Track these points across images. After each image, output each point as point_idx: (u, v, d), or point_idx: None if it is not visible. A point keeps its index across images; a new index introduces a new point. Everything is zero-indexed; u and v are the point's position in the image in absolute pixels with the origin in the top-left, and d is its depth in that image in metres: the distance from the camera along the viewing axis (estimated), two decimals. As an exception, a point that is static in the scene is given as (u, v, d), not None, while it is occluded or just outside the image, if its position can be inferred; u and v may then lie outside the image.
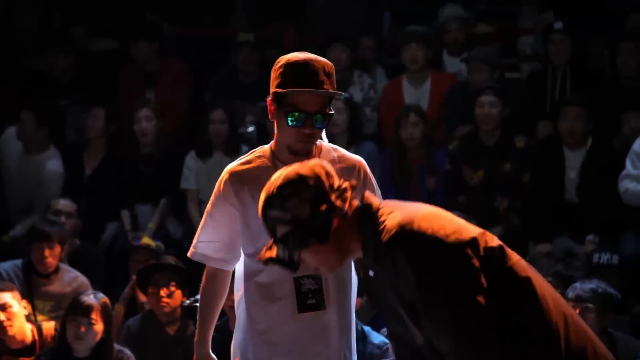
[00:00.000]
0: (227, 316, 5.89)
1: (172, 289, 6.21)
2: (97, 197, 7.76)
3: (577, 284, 5.55)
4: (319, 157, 3.79)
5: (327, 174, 3.10)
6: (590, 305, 5.42)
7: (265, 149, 3.87)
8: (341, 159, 3.85)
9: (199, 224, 7.48)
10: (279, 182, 3.07)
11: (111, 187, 7.78)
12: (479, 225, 7.12)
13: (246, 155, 3.90)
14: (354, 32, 8.68)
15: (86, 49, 9.04)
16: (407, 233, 2.95)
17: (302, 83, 3.70)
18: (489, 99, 7.29)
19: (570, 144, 7.24)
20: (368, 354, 5.43)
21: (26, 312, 6.02)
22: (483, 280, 2.92)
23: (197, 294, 5.72)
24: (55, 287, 6.57)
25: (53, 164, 7.86)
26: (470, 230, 3.03)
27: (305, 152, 3.77)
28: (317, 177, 3.07)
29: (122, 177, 7.82)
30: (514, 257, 3.03)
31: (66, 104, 8.24)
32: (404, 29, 8.46)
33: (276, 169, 3.65)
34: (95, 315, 5.60)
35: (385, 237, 2.98)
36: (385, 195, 3.82)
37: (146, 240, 7.08)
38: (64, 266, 6.76)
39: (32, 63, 8.88)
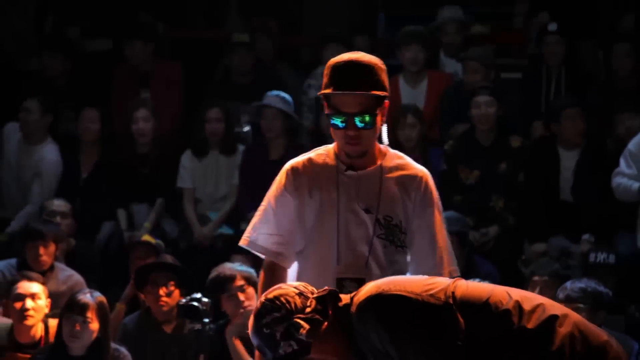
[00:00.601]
0: (227, 318, 5.91)
1: (171, 288, 6.21)
2: (92, 197, 7.76)
3: (568, 284, 5.55)
4: (382, 161, 3.81)
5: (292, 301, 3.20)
6: (581, 305, 5.42)
7: (329, 147, 3.87)
8: (404, 167, 3.85)
9: (194, 223, 7.66)
10: (256, 313, 3.22)
11: (107, 187, 7.78)
12: (475, 224, 7.16)
13: (309, 152, 3.89)
14: (349, 32, 8.69)
15: (81, 50, 9.02)
16: (376, 297, 3.06)
17: (340, 84, 3.70)
18: (485, 98, 7.32)
19: (566, 145, 7.27)
20: None
21: (47, 310, 6.03)
22: (459, 329, 2.98)
23: (193, 293, 5.78)
24: (50, 285, 6.54)
25: (52, 153, 7.87)
26: (442, 283, 3.10)
27: (357, 154, 3.77)
28: (289, 296, 3.20)
29: (118, 177, 7.82)
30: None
31: (60, 107, 8.24)
32: (398, 30, 8.47)
33: (337, 168, 3.71)
34: (90, 314, 5.59)
35: (354, 308, 3.09)
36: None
37: (146, 237, 7.09)
38: (59, 265, 6.76)
39: (27, 64, 8.86)
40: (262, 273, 3.88)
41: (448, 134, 7.79)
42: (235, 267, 6.02)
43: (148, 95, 8.38)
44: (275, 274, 3.82)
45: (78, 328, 5.58)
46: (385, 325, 3.01)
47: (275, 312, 3.15)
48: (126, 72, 8.59)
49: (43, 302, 5.96)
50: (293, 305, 3.16)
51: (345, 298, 3.20)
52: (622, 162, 7.04)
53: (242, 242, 3.90)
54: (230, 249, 7.15)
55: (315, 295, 3.19)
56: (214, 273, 6.01)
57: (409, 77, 8.16)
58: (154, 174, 7.84)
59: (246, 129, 8.02)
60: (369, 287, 3.14)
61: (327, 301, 3.17)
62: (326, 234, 3.75)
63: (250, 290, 5.87)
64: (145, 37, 8.47)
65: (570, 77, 7.92)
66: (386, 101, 3.78)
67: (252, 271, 5.94)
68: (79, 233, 7.49)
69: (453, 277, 3.28)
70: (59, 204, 7.33)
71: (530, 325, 3.00)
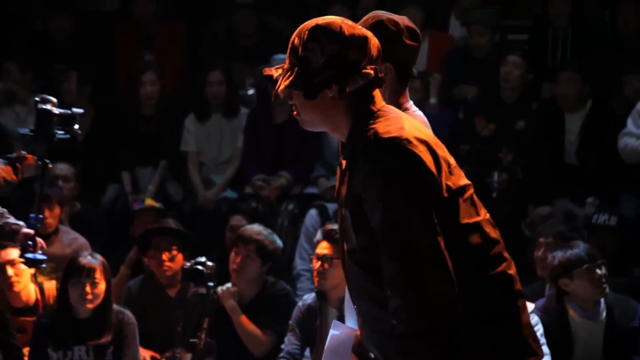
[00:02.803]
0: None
1: (174, 252, 6.23)
2: (95, 160, 7.75)
3: (559, 252, 5.50)
4: None
5: (369, 48, 3.02)
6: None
7: None
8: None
9: (199, 186, 7.64)
10: (320, 22, 3.04)
11: (107, 150, 7.76)
12: (482, 173, 7.12)
13: None
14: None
15: (85, 9, 8.98)
16: (397, 144, 2.91)
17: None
18: (515, 59, 7.33)
19: (567, 108, 7.24)
20: None
21: (32, 271, 6.03)
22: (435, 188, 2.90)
23: (197, 256, 5.79)
24: (55, 248, 6.56)
25: None
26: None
27: None
28: (355, 43, 3.01)
29: (121, 139, 7.80)
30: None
31: (63, 68, 8.22)
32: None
33: None
34: (98, 275, 5.60)
35: (364, 141, 2.96)
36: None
37: (149, 202, 7.09)
38: (64, 228, 6.77)
39: (33, 24, 8.83)
40: None
41: (453, 96, 7.77)
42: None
43: (151, 57, 8.34)
44: None
45: (88, 289, 5.58)
46: (382, 173, 2.90)
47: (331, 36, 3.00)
48: (129, 33, 8.54)
49: (24, 265, 5.96)
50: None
51: (378, 104, 3.04)
52: (629, 122, 6.98)
53: None
54: (235, 212, 7.16)
55: (368, 70, 3.01)
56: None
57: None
58: (158, 136, 7.82)
59: (250, 92, 7.98)
60: (396, 128, 2.96)
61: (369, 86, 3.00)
62: None
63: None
64: None
65: (576, 38, 7.86)
66: None
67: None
68: (84, 196, 7.49)
69: None
70: (61, 168, 7.33)
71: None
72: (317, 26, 3.02)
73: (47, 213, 6.58)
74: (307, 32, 3.03)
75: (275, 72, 3.07)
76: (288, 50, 3.06)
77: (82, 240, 6.69)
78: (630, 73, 7.38)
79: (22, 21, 8.83)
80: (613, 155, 6.98)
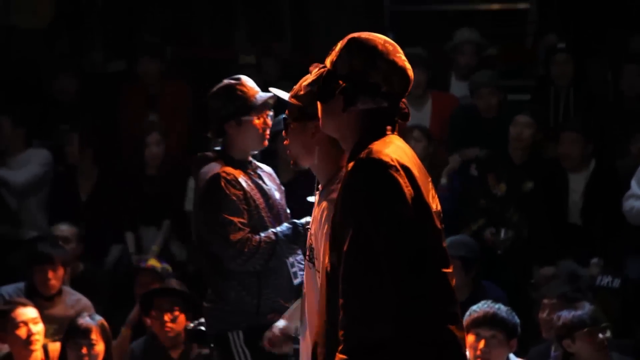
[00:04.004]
0: None
1: (176, 313, 6.19)
2: (98, 220, 7.75)
3: (564, 312, 5.49)
4: None
5: (395, 80, 3.08)
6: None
7: None
8: None
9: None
10: (363, 36, 3.11)
11: (111, 210, 7.76)
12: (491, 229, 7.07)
13: None
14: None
15: (91, 71, 9.04)
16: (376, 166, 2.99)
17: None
18: (525, 119, 7.34)
19: (570, 168, 7.25)
20: None
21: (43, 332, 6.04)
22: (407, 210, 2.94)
23: (200, 317, 5.76)
24: (58, 309, 6.56)
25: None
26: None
27: None
28: (382, 69, 3.07)
29: (124, 199, 7.81)
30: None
31: (67, 129, 8.27)
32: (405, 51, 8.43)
33: None
34: (95, 336, 5.58)
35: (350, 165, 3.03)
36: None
37: (152, 262, 7.07)
38: (67, 289, 6.75)
39: (41, 86, 8.90)
40: None
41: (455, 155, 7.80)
42: None
43: (156, 117, 8.39)
44: None
45: (85, 352, 5.56)
46: (364, 193, 2.96)
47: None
48: (134, 93, 8.59)
49: (42, 326, 5.97)
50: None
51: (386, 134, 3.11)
52: (633, 183, 6.94)
53: None
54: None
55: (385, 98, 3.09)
56: None
57: (412, 99, 8.13)
58: (162, 196, 7.83)
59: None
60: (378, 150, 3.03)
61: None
62: None
63: None
64: (153, 54, 8.48)
65: (578, 97, 7.89)
66: None
67: None
68: (87, 256, 7.48)
69: None
70: (63, 229, 7.33)
71: None
72: (357, 39, 3.11)
73: (50, 274, 6.57)
74: (347, 40, 3.12)
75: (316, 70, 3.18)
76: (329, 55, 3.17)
77: (85, 301, 6.67)
78: (635, 133, 7.39)
79: (27, 81, 8.90)
80: (617, 216, 6.96)
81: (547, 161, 7.65)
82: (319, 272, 3.51)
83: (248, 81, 4.84)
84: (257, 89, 4.85)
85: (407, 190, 2.95)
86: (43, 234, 7.60)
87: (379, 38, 3.12)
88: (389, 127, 3.12)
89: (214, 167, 4.76)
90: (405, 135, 7.29)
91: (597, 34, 8.66)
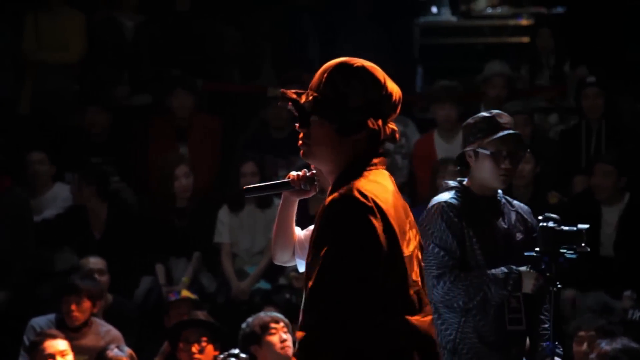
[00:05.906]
0: None
1: (204, 344, 6.20)
2: (129, 252, 7.75)
3: (602, 343, 5.47)
4: None
5: (398, 106, 3.12)
6: None
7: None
8: None
9: (232, 277, 7.62)
10: (366, 65, 3.09)
11: (141, 242, 7.76)
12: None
13: None
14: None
15: (120, 105, 9.08)
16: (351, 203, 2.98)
17: None
18: None
19: (603, 200, 7.20)
20: None
21: None
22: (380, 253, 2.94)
23: (230, 348, 5.75)
24: (88, 340, 6.56)
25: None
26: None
27: None
28: (391, 97, 3.09)
29: (155, 232, 7.82)
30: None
31: (100, 162, 8.31)
32: (437, 84, 8.44)
33: None
34: (124, 369, 5.58)
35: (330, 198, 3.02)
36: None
37: (185, 293, 7.08)
38: (98, 320, 6.75)
39: (69, 120, 8.94)
40: None
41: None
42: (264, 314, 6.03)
43: (185, 149, 8.41)
44: None
45: (116, 383, 5.56)
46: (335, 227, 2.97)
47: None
48: (164, 126, 8.61)
49: (72, 358, 5.98)
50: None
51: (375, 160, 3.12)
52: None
53: None
54: (268, 303, 7.13)
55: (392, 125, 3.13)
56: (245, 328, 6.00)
57: (443, 133, 8.14)
58: (192, 228, 7.83)
59: (284, 182, 7.98)
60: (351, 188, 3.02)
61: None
62: None
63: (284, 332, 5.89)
64: (186, 87, 8.52)
65: (610, 130, 7.85)
66: None
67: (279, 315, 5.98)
68: (118, 288, 7.47)
69: None
70: (94, 262, 7.34)
71: None
72: (364, 68, 3.07)
73: (73, 306, 6.57)
74: (352, 69, 3.06)
75: (294, 95, 3.09)
76: (320, 81, 3.08)
77: (115, 332, 6.66)
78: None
79: (55, 115, 8.95)
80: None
81: (576, 195, 7.59)
82: None
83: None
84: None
85: (380, 235, 2.95)
86: (74, 266, 7.60)
87: (375, 66, 3.11)
88: (375, 160, 3.10)
89: None
90: (438, 170, 7.32)
91: (627, 67, 8.63)
